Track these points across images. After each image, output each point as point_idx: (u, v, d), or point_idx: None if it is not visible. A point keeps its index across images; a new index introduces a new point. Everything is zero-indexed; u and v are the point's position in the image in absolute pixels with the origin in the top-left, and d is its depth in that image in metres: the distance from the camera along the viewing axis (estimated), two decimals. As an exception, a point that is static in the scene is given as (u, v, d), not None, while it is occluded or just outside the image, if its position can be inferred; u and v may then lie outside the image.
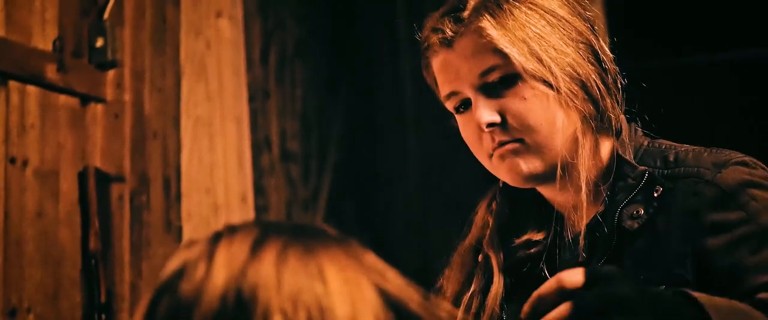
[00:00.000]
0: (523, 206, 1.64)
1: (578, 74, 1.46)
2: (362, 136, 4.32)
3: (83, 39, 3.07)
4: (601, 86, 1.49)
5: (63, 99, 2.94)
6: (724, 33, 3.64)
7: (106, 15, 3.12)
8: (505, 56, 1.45)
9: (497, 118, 1.47)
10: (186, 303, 0.81)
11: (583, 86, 1.46)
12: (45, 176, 2.83)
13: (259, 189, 3.61)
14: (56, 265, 2.83)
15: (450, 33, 1.50)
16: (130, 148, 3.15)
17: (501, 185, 1.65)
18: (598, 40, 1.52)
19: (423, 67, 1.60)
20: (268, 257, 0.84)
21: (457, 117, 1.56)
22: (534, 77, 1.44)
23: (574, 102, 1.45)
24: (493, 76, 1.47)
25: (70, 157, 2.95)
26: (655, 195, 1.43)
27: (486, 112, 1.47)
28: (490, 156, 1.51)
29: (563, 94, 1.44)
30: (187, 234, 3.25)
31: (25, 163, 2.76)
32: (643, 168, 1.47)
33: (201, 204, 3.30)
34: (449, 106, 1.56)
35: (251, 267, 0.82)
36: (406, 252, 4.00)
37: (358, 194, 4.22)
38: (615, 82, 1.52)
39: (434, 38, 1.53)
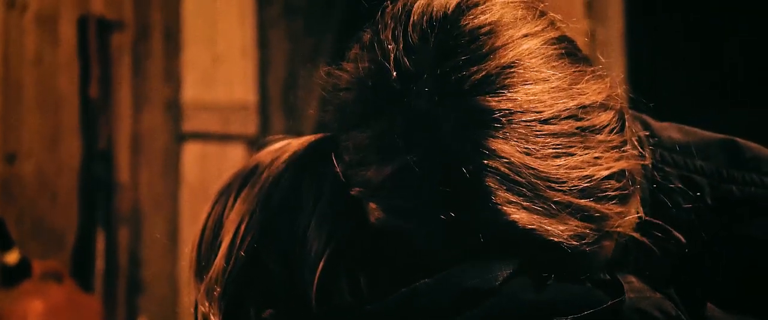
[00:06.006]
0: None
1: None
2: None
3: None
4: None
5: (63, -58, 2.88)
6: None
7: None
8: None
9: None
10: None
11: None
12: (44, 21, 2.79)
13: (261, 42, 3.57)
14: (55, 112, 2.83)
15: None
16: (131, -5, 3.11)
17: None
18: None
19: None
20: None
21: None
22: None
23: None
24: None
25: (70, 2, 2.90)
26: None
27: None
28: None
29: None
30: (187, 86, 3.24)
31: (24, 8, 2.72)
32: None
33: (202, 55, 3.28)
34: None
35: None
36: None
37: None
38: None
39: None
